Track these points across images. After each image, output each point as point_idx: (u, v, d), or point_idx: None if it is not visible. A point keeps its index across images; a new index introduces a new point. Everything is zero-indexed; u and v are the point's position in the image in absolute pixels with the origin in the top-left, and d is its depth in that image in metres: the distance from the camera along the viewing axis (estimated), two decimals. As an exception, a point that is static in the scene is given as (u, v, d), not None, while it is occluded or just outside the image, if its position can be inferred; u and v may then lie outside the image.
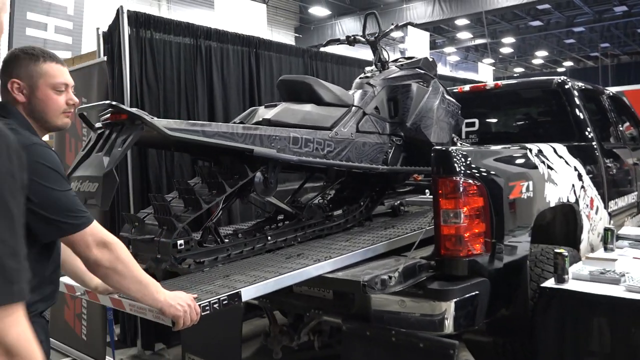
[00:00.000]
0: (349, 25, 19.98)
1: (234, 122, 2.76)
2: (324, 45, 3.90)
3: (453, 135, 3.73)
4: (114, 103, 2.13)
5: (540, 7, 20.17)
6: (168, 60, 3.97)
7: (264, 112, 2.77)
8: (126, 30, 3.69)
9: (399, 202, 3.70)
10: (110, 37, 3.87)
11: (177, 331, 1.86)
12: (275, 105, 2.80)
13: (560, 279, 2.51)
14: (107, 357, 3.74)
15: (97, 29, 4.05)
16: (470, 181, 2.48)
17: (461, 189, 2.44)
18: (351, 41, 3.69)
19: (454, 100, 3.60)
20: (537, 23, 23.47)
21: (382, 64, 3.51)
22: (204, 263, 2.37)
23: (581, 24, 23.23)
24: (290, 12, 21.84)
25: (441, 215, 2.47)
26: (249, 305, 3.05)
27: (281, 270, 2.19)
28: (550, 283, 2.55)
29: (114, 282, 1.65)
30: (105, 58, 3.77)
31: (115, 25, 3.80)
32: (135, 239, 2.34)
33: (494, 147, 3.01)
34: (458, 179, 2.43)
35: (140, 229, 2.38)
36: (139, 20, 3.78)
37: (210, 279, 2.15)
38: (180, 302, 1.74)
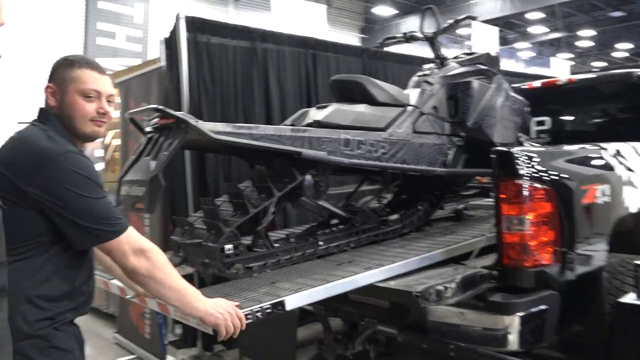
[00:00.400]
0: (415, 24, 19.49)
1: (285, 124, 2.71)
2: (380, 45, 3.78)
3: (520, 134, 3.50)
4: (160, 107, 2.12)
5: (621, -4, 18.88)
6: (224, 64, 3.99)
7: (314, 114, 2.69)
8: (183, 35, 3.74)
9: (462, 205, 3.51)
10: (171, 43, 3.93)
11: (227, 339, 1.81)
12: (327, 106, 2.71)
13: (642, 294, 2.25)
14: (168, 356, 3.81)
15: (159, 35, 4.14)
16: (537, 185, 2.28)
17: (526, 193, 2.24)
18: (408, 38, 3.55)
19: (520, 97, 3.36)
20: (618, 13, 21.95)
21: (440, 61, 3.35)
22: (252, 268, 2.32)
23: (669, 13, 21.49)
24: (355, 12, 21.72)
25: (503, 221, 2.28)
26: (306, 310, 2.98)
27: (329, 278, 2.09)
28: (630, 298, 2.28)
29: (152, 289, 1.62)
30: (163, 63, 3.84)
31: (174, 31, 3.87)
32: (184, 243, 2.33)
33: (563, 147, 2.77)
34: (521, 182, 2.24)
35: (190, 233, 2.37)
36: (195, 25, 3.82)
37: (255, 285, 2.09)
38: (220, 310, 1.68)
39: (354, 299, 2.67)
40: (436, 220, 3.35)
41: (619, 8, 21.20)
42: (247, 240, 2.59)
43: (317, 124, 2.57)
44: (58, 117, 1.61)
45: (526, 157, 2.31)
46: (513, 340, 2.19)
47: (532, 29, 22.83)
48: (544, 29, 22.71)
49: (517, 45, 25.08)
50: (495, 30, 13.14)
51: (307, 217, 3.82)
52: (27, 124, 1.61)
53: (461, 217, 3.42)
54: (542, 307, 2.24)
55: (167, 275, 1.61)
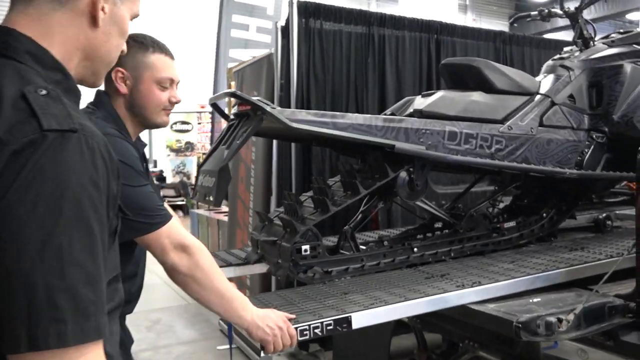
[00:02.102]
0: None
1: (384, 114, 2.42)
2: (512, 23, 3.29)
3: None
4: (237, 92, 1.97)
5: None
6: (337, 51, 3.79)
7: (418, 102, 2.37)
8: (295, 21, 3.61)
9: (605, 214, 2.92)
10: (286, 31, 3.84)
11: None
12: (432, 94, 2.37)
13: None
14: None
15: (276, 23, 4.07)
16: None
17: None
18: (545, 15, 3.04)
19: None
20: None
21: (584, 42, 2.80)
22: (331, 273, 2.09)
23: None
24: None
25: (648, 241, 1.78)
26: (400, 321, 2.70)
27: (409, 295, 1.77)
28: None
29: (193, 291, 1.46)
30: (271, 51, 3.75)
31: (288, 19, 3.76)
32: (259, 240, 2.17)
33: None
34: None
35: (268, 230, 2.20)
36: (308, 10, 3.67)
37: (324, 294, 1.85)
38: (269, 324, 1.48)
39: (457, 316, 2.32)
40: (567, 230, 2.83)
41: None
42: (332, 242, 2.37)
43: (419, 114, 2.26)
44: (126, 104, 1.52)
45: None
46: (652, 395, 1.70)
47: None
48: None
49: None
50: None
51: (413, 218, 3.49)
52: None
53: (602, 228, 2.86)
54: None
55: (209, 277, 1.45)
